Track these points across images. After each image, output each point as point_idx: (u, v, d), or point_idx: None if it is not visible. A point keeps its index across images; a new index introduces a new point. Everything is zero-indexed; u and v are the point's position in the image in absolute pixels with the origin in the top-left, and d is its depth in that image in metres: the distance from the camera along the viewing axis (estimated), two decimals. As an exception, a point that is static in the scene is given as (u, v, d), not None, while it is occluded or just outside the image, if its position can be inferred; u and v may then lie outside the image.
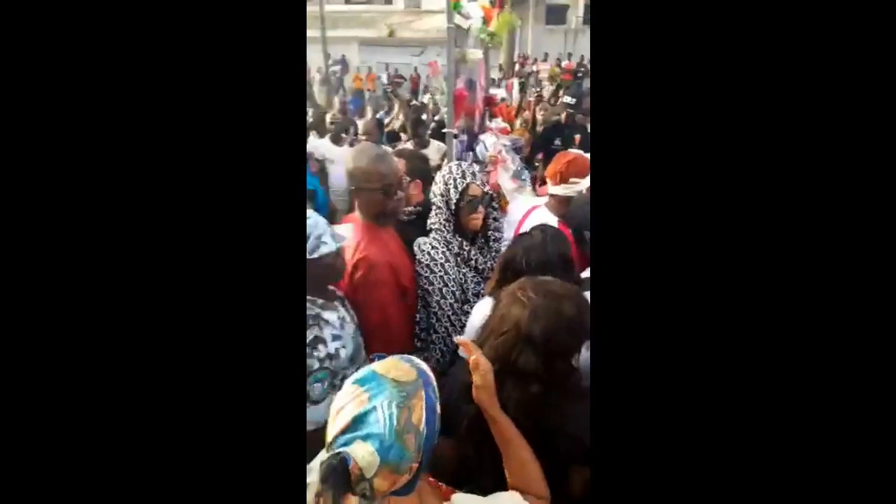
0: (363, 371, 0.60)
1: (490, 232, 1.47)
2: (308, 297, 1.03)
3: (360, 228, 1.31)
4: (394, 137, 3.36)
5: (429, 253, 1.37)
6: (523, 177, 2.50)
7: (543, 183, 2.11)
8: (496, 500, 0.69)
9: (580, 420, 0.89)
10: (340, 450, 0.53)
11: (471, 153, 2.39)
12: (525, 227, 1.65)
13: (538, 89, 4.47)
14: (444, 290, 1.37)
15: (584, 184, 1.63)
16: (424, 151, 2.33)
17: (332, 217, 2.56)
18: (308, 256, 1.00)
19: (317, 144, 3.03)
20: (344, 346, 1.10)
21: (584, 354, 1.21)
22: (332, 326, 1.09)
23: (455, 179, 1.36)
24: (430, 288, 1.37)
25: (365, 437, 0.53)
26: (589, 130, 3.09)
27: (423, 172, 1.59)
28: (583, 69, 11.12)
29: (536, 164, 3.14)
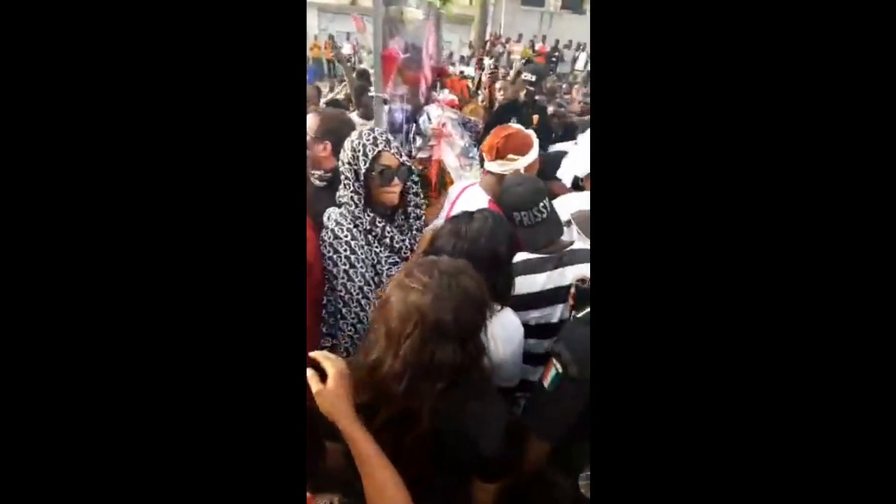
0: None
1: (411, 209, 1.32)
2: None
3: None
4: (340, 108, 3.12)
5: (332, 229, 1.20)
6: (471, 154, 2.34)
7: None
8: None
9: (493, 423, 0.78)
10: None
11: (413, 125, 2.21)
12: (459, 208, 1.51)
13: (494, 65, 4.27)
14: (352, 271, 1.21)
15: (523, 162, 1.49)
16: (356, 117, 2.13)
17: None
18: None
19: None
20: None
21: (502, 351, 1.11)
22: None
23: (364, 146, 1.18)
24: (335, 269, 1.20)
25: None
26: (583, 125, 2.96)
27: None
28: (557, 54, 11.01)
29: (490, 143, 2.99)
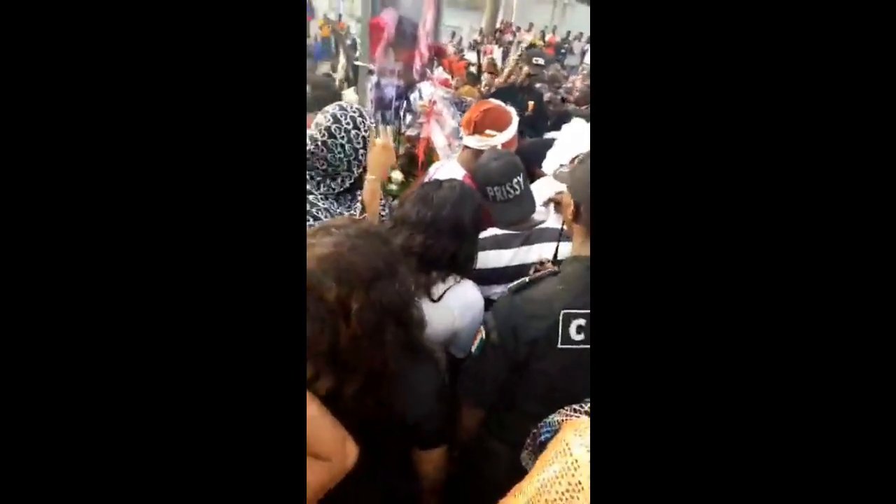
0: None
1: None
2: None
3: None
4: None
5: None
6: (461, 135, 2.34)
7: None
8: None
9: (422, 386, 0.80)
10: None
11: (404, 101, 2.20)
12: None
13: (497, 55, 4.20)
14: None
15: (501, 138, 1.49)
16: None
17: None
18: None
19: None
20: None
21: (458, 321, 1.11)
22: None
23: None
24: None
25: None
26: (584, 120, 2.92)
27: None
28: (567, 45, 10.86)
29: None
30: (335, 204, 1.22)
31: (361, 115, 1.20)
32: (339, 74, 3.34)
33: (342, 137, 1.17)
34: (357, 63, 1.60)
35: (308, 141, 1.18)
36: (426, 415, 0.78)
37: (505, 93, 3.03)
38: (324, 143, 1.16)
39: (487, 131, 1.47)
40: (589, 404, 0.66)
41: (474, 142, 1.48)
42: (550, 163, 1.81)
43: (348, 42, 4.98)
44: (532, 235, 1.33)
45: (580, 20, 12.04)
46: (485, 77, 3.89)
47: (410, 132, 2.25)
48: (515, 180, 1.36)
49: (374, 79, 1.70)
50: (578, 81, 4.68)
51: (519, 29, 10.22)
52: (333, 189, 1.21)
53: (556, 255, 1.13)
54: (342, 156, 1.18)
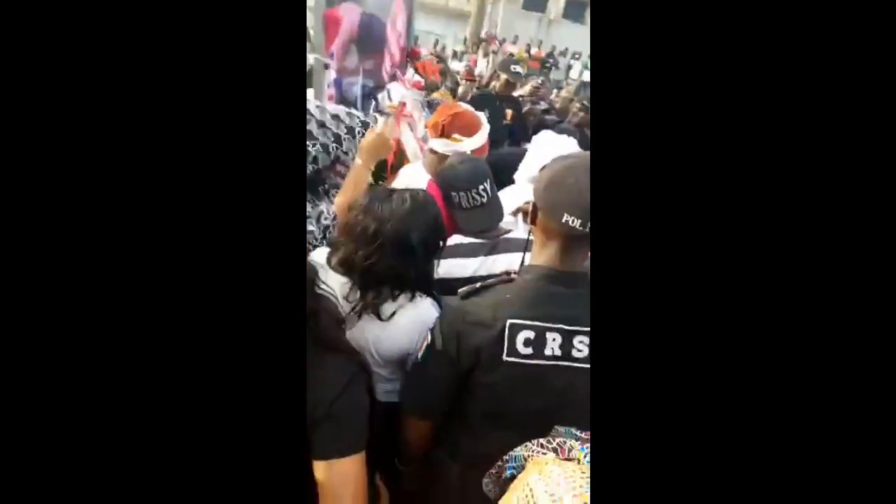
0: None
1: None
2: None
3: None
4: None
5: None
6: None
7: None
8: None
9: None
10: None
11: (372, 101, 2.12)
12: (399, 185, 1.42)
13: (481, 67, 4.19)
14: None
15: (469, 144, 1.41)
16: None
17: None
18: None
19: None
20: None
21: (398, 342, 0.99)
22: None
23: None
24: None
25: None
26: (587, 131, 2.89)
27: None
28: (552, 60, 11.00)
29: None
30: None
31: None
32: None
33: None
34: (311, 55, 1.49)
35: None
36: (324, 418, 0.65)
37: (483, 100, 2.98)
38: None
39: (455, 135, 1.39)
40: (557, 439, 0.58)
41: (440, 145, 1.40)
42: (522, 173, 1.74)
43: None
44: (499, 245, 1.25)
45: (566, 36, 12.27)
46: (463, 84, 3.85)
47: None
48: (482, 186, 1.28)
49: (331, 74, 1.60)
50: (563, 93, 4.70)
51: (504, 41, 10.33)
52: None
53: (522, 266, 1.05)
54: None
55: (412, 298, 0.96)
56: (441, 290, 1.09)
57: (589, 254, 0.81)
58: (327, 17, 1.46)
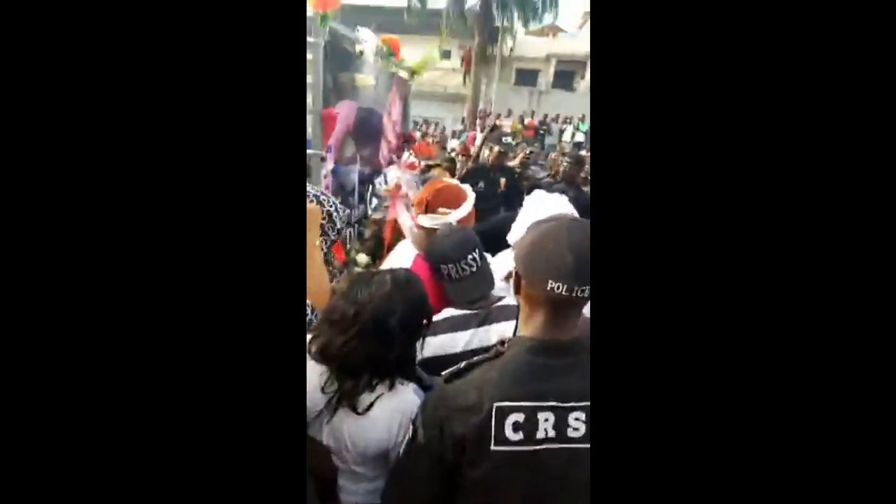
0: None
1: None
2: None
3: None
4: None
5: None
6: (424, 214, 2.32)
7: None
8: None
9: None
10: None
11: (370, 185, 2.22)
12: (385, 266, 1.43)
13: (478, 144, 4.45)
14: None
15: (455, 215, 1.44)
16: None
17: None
18: None
19: None
20: None
21: (375, 433, 0.92)
22: None
23: None
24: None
25: None
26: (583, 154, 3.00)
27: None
28: (545, 127, 11.62)
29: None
30: None
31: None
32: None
33: None
34: (308, 151, 1.61)
35: None
36: None
37: (477, 172, 3.10)
38: None
39: (440, 209, 1.42)
40: None
41: (427, 220, 1.42)
42: (514, 235, 1.74)
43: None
44: (491, 314, 1.20)
45: (556, 104, 13.05)
46: (459, 160, 4.04)
47: (376, 216, 2.24)
48: (471, 256, 1.27)
49: (328, 165, 1.71)
50: (555, 155, 4.88)
51: (499, 115, 11.03)
52: None
53: (515, 334, 0.99)
54: None
55: (392, 386, 0.90)
56: (433, 369, 1.03)
57: (578, 320, 0.77)
58: (325, 115, 1.58)
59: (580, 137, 11.18)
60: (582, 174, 3.20)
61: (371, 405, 0.87)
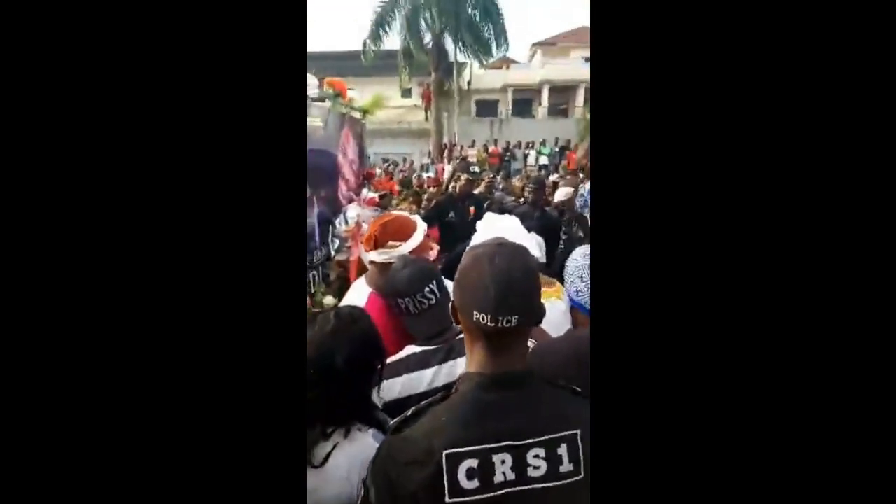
0: None
1: None
2: None
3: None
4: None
5: None
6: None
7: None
8: None
9: None
10: None
11: (330, 226, 2.16)
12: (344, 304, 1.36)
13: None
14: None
15: (406, 246, 1.39)
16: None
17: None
18: None
19: None
20: None
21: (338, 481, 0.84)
22: None
23: None
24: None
25: None
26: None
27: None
28: (509, 153, 11.95)
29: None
30: None
31: None
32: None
33: None
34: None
35: None
36: None
37: (446, 203, 3.11)
38: None
39: (390, 243, 1.37)
40: None
41: (377, 256, 1.38)
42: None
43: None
44: (454, 348, 1.14)
45: (517, 130, 13.49)
46: (430, 191, 4.06)
47: (340, 257, 2.18)
48: (427, 288, 1.22)
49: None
50: (518, 181, 4.97)
51: (462, 147, 11.30)
52: None
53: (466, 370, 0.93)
54: None
55: (348, 433, 0.83)
56: (399, 412, 0.96)
57: (526, 349, 0.72)
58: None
59: (543, 160, 11.51)
60: (545, 196, 3.26)
61: (328, 456, 0.79)
